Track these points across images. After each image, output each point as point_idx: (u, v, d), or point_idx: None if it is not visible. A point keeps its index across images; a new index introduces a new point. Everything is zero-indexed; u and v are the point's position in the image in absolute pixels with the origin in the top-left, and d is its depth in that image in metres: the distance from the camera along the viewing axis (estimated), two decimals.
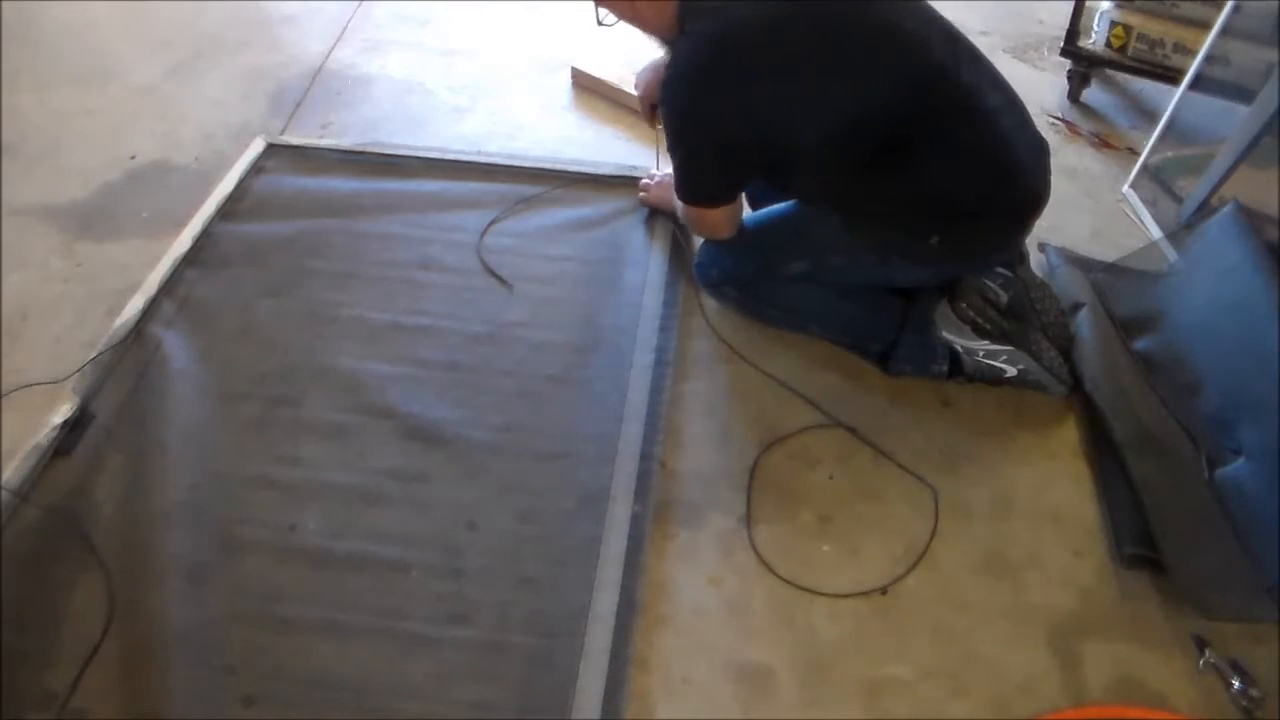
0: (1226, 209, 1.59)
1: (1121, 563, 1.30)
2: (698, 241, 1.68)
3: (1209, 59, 1.88)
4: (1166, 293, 1.62)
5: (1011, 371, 1.50)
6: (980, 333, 1.50)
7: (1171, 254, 1.70)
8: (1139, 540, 1.30)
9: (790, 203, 1.52)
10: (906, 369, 1.53)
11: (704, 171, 1.42)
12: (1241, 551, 1.26)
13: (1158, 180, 1.96)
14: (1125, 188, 1.98)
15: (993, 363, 1.50)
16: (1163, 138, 1.92)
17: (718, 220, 1.49)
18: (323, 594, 1.21)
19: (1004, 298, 1.52)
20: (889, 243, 1.44)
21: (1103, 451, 1.43)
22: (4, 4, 2.39)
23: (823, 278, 1.53)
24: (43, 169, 1.91)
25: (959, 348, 1.50)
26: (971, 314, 1.50)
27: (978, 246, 1.46)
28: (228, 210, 1.77)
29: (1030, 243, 1.77)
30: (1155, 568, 1.28)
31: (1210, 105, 1.86)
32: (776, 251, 1.52)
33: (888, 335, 1.53)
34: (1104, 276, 1.70)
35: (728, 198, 1.45)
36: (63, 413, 1.37)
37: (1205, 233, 1.62)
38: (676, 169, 1.43)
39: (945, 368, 1.51)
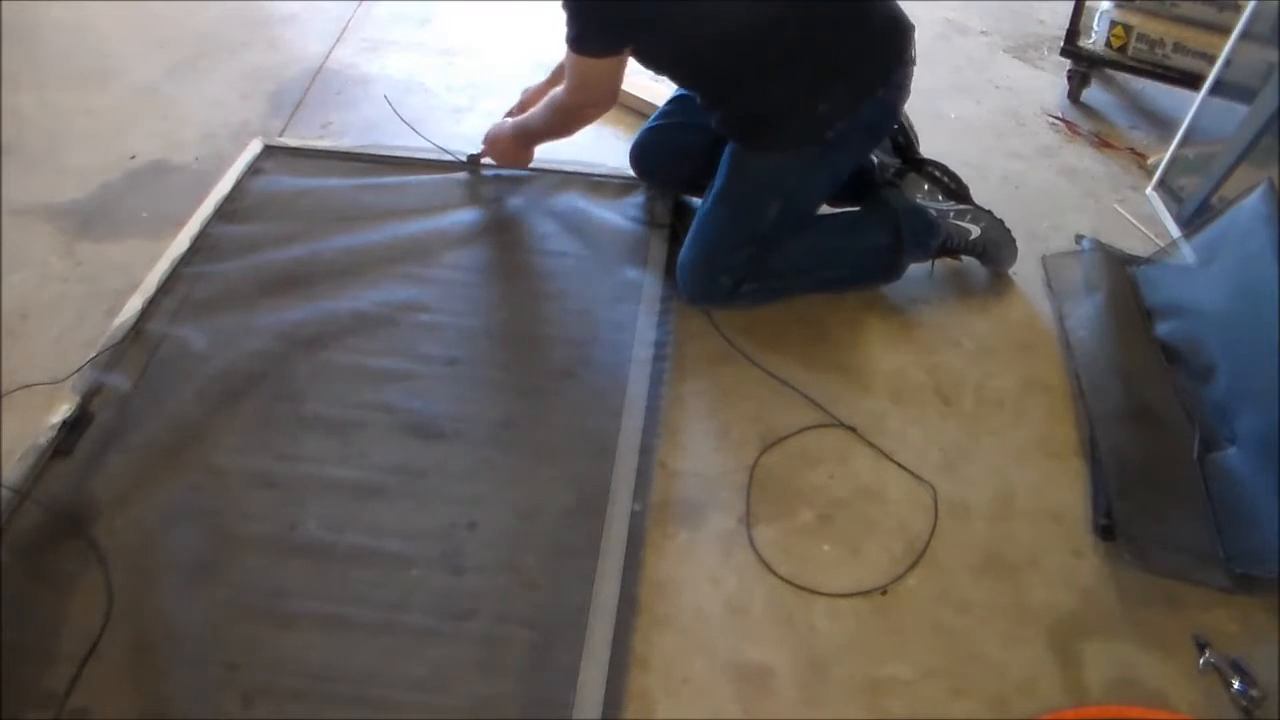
0: (1258, 189, 1.58)
1: (1096, 535, 1.33)
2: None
3: (1210, 59, 1.88)
4: (1193, 279, 1.64)
5: (975, 232, 1.67)
6: (946, 193, 1.74)
7: (1189, 252, 1.70)
8: (1110, 512, 1.33)
9: (720, 179, 1.57)
10: (917, 255, 1.65)
11: (592, 14, 1.42)
12: (1213, 526, 1.31)
13: (1161, 181, 1.96)
14: (1149, 190, 1.98)
15: (960, 223, 1.67)
16: (1180, 141, 1.92)
17: (602, 76, 1.49)
18: (324, 590, 1.21)
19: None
20: (795, 133, 1.50)
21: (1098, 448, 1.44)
22: (4, 4, 2.39)
23: (799, 205, 1.58)
24: (43, 169, 1.91)
25: (935, 212, 1.65)
26: (935, 172, 1.75)
27: (860, 88, 1.48)
28: (225, 211, 1.77)
29: (1039, 242, 1.77)
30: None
31: (1210, 105, 1.86)
32: (746, 211, 1.55)
33: (886, 239, 1.62)
34: (1139, 269, 1.73)
35: (614, 47, 1.46)
36: (62, 413, 1.37)
37: (1235, 215, 1.61)
38: (569, 21, 1.43)
39: (941, 239, 1.64)
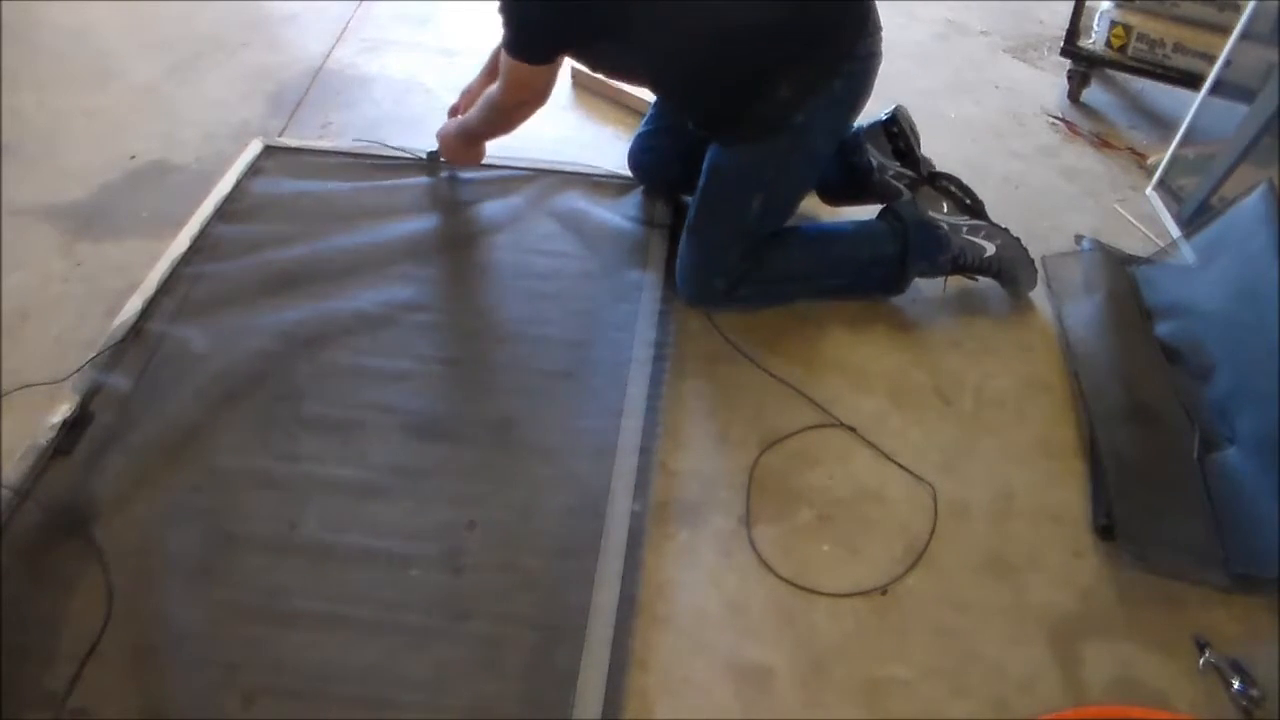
0: (1258, 189, 1.57)
1: (1096, 535, 1.33)
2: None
3: (1210, 59, 1.88)
4: (1194, 279, 1.64)
5: (990, 249, 1.63)
6: (960, 207, 1.71)
7: (1189, 252, 1.70)
8: (1110, 512, 1.33)
9: (702, 179, 1.56)
10: (922, 267, 1.62)
11: (531, 17, 1.43)
12: (1213, 526, 1.30)
13: (1160, 181, 1.97)
14: (1149, 190, 1.97)
15: (973, 239, 1.63)
16: (1179, 141, 1.92)
17: (535, 80, 1.51)
18: (324, 590, 1.21)
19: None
20: (762, 121, 1.47)
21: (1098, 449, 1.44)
22: (4, 4, 2.39)
23: (781, 195, 1.58)
24: (43, 169, 1.91)
25: (946, 226, 1.63)
26: (950, 187, 1.73)
27: (822, 68, 1.45)
28: (225, 211, 1.77)
29: (1039, 242, 1.77)
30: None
31: (1210, 105, 1.87)
32: (729, 208, 1.55)
33: (893, 250, 1.60)
34: (1139, 269, 1.73)
35: (549, 55, 1.47)
36: (62, 413, 1.37)
37: (1235, 215, 1.61)
38: (506, 25, 1.44)
39: (951, 254, 1.61)
